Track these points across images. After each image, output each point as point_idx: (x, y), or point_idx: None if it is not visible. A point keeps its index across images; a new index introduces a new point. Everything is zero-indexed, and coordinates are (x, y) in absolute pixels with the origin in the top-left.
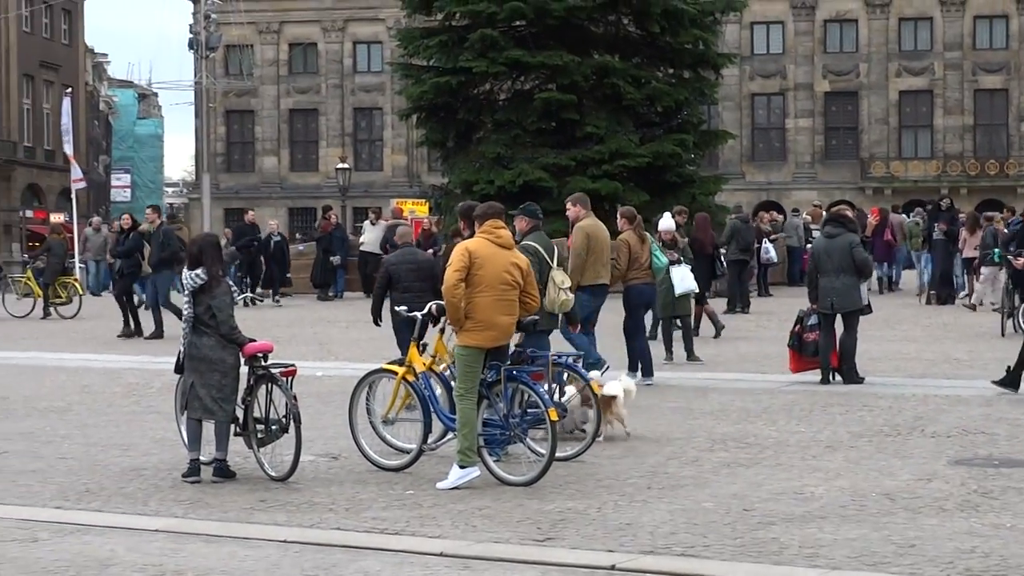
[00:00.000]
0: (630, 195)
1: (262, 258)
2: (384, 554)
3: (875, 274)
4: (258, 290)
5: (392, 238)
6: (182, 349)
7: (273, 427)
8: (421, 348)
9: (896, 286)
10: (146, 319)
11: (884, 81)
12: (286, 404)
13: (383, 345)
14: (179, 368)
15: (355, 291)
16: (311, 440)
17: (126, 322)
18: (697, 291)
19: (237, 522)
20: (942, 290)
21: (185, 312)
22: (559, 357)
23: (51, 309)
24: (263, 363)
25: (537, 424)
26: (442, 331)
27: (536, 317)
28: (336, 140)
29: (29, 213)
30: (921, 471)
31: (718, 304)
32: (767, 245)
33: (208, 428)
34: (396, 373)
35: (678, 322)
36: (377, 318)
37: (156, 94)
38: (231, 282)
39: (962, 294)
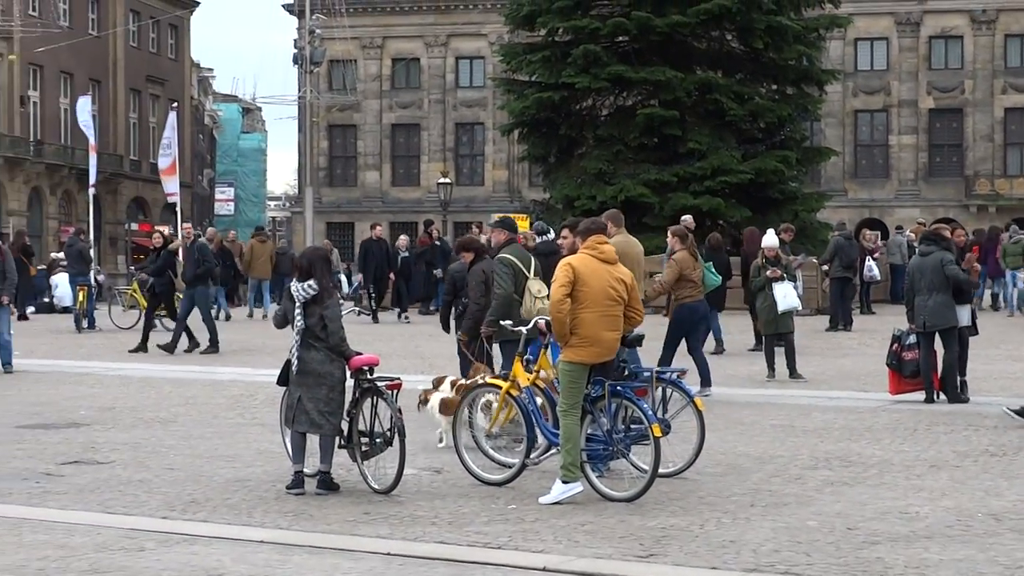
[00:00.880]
0: (732, 211)
1: (391, 274)
2: (487, 568)
3: (987, 292)
4: (363, 303)
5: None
6: (291, 361)
7: (377, 440)
8: (525, 363)
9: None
10: (200, 329)
11: (989, 98)
12: (391, 417)
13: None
14: (282, 380)
15: None
16: (413, 453)
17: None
18: (800, 308)
19: (341, 534)
20: None
21: (297, 324)
22: (663, 373)
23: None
24: (369, 376)
25: (640, 440)
26: (547, 346)
27: (643, 333)
28: (437, 155)
29: (134, 226)
30: None
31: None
32: (870, 263)
33: (312, 440)
34: (500, 387)
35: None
36: (446, 326)
37: (260, 108)
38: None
39: None
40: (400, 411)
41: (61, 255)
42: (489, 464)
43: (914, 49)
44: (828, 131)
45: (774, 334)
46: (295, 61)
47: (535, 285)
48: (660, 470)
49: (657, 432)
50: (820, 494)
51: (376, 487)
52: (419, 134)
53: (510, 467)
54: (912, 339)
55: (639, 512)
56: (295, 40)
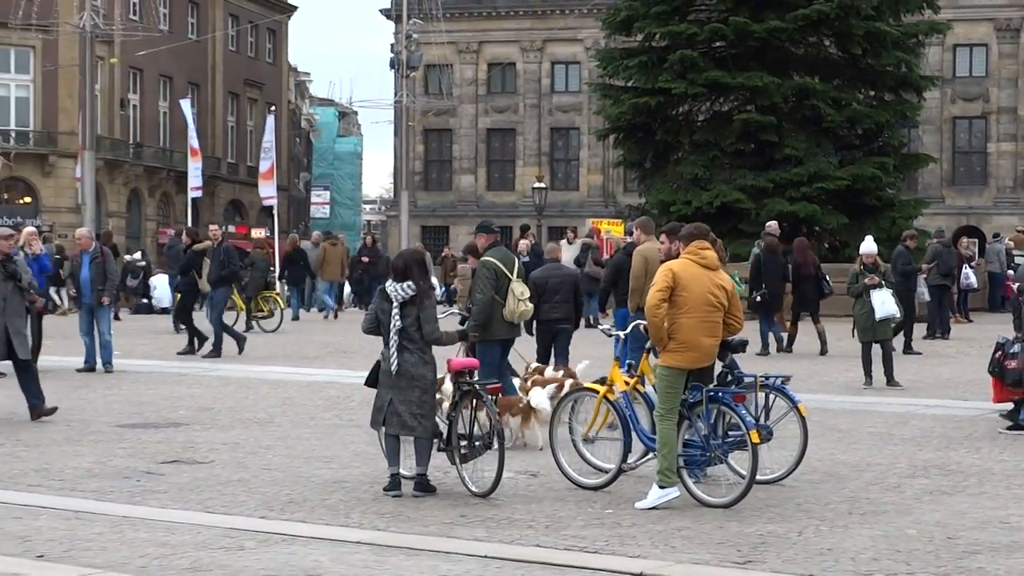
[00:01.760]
0: (828, 218)
1: None
2: (583, 572)
3: None
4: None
5: (584, 257)
6: (383, 363)
7: (476, 443)
8: (624, 367)
9: None
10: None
11: None
12: (490, 421)
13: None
14: (371, 382)
15: None
16: (510, 457)
17: (190, 340)
18: (900, 316)
19: (438, 536)
20: None
21: (394, 324)
22: (767, 379)
23: (253, 322)
24: (469, 379)
25: (739, 446)
26: (648, 351)
27: (746, 339)
28: (532, 159)
29: (231, 228)
30: None
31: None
32: (967, 271)
33: (408, 442)
34: (598, 392)
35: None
36: (528, 328)
37: (356, 112)
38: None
39: None
40: (499, 414)
41: (137, 256)
42: (586, 468)
43: (1014, 55)
44: (926, 138)
45: (872, 341)
46: (391, 65)
47: (518, 287)
48: (759, 476)
49: (755, 438)
50: (919, 503)
51: (475, 490)
52: (514, 139)
53: (607, 471)
54: (1016, 348)
55: (736, 518)
56: (392, 44)
